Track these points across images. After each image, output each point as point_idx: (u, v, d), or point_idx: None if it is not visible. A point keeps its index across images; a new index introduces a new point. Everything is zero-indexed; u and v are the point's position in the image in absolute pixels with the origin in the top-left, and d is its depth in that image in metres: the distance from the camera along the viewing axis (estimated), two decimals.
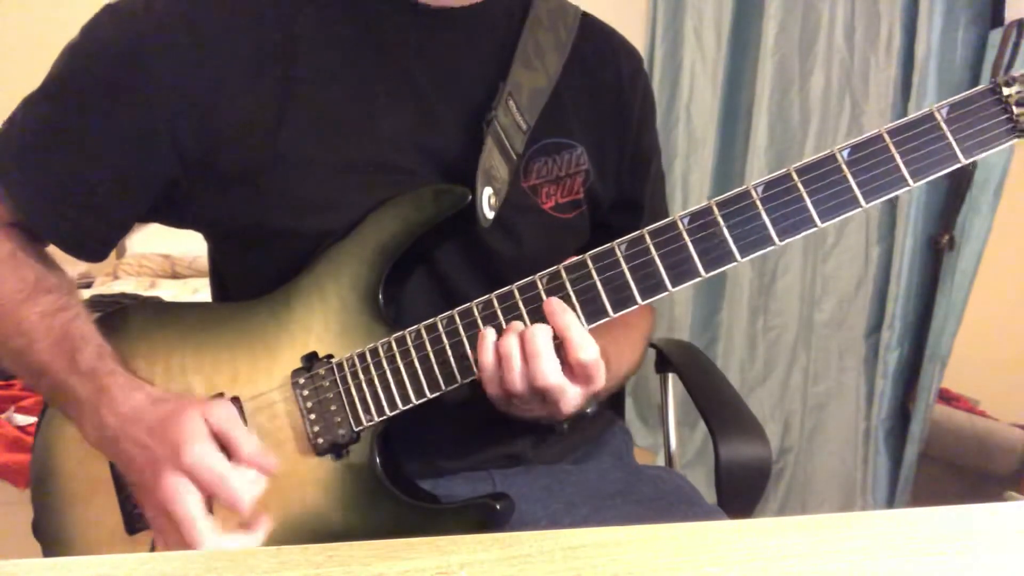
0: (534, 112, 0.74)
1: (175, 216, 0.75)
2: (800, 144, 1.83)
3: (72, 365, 0.65)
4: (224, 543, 0.61)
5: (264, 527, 0.65)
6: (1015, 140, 0.57)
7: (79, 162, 0.68)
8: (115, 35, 0.68)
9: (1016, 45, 1.33)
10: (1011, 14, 1.34)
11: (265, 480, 0.63)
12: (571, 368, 0.62)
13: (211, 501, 0.61)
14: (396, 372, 0.67)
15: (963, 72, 1.48)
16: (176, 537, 0.60)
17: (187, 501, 0.59)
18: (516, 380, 0.61)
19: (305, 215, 0.70)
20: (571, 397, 0.63)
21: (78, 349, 0.65)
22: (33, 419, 1.92)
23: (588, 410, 0.67)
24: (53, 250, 0.75)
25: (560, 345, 0.62)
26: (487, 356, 0.62)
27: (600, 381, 0.64)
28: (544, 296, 0.64)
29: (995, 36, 1.40)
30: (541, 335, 0.61)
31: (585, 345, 0.61)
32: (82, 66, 0.68)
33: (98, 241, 0.73)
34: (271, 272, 0.72)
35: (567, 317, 0.61)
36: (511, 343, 0.61)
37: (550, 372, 0.61)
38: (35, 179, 0.69)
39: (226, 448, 0.62)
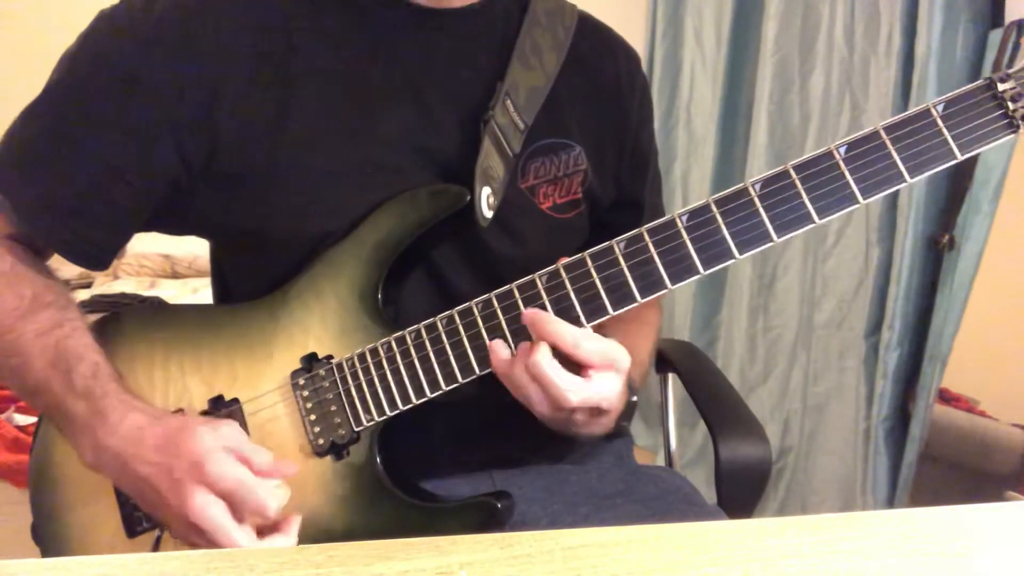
0: (532, 112, 0.74)
1: (176, 222, 0.75)
2: (800, 144, 1.83)
3: (67, 385, 0.64)
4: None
5: (295, 527, 0.65)
6: (1010, 135, 0.57)
7: (81, 170, 0.68)
8: (113, 41, 0.68)
9: (1016, 45, 1.33)
10: (1011, 14, 1.34)
11: (288, 488, 0.63)
12: (591, 363, 0.62)
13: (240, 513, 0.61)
14: (396, 372, 0.67)
15: (963, 72, 1.48)
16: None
17: (217, 513, 0.59)
18: (548, 408, 0.62)
19: (305, 217, 0.70)
20: (608, 391, 0.63)
21: (72, 368, 0.65)
22: (33, 419, 1.92)
23: (633, 398, 0.69)
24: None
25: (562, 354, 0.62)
26: (528, 390, 0.62)
27: (624, 360, 0.64)
28: (544, 296, 0.64)
29: (995, 36, 1.39)
30: (542, 361, 0.61)
31: (579, 337, 0.62)
32: (81, 73, 0.68)
33: (101, 248, 0.72)
34: (272, 273, 0.72)
35: (549, 326, 0.62)
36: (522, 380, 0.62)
37: (572, 390, 0.61)
38: (37, 188, 0.69)
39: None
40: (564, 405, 0.61)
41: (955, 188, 1.50)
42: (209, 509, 0.59)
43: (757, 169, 1.87)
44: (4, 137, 0.70)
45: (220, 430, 0.62)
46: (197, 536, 0.60)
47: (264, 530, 0.63)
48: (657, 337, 0.90)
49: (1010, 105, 0.57)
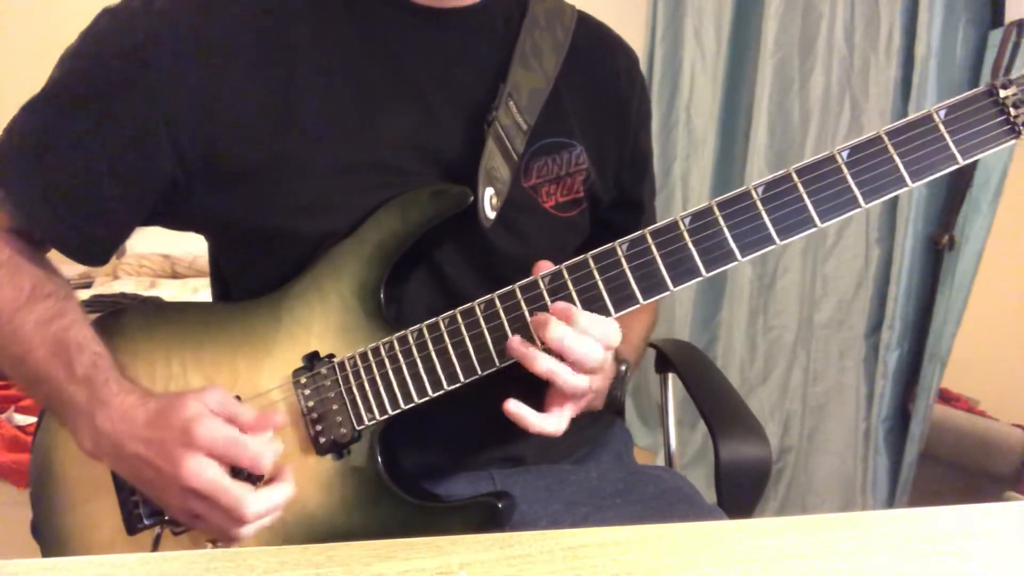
0: (534, 112, 0.74)
1: (176, 219, 0.75)
2: (800, 144, 1.83)
3: (69, 373, 0.65)
4: (264, 499, 0.62)
5: (289, 475, 0.66)
6: (1012, 141, 0.58)
7: (80, 165, 0.68)
8: (114, 37, 0.68)
9: (1016, 45, 1.33)
10: (1011, 14, 1.34)
11: (280, 442, 0.65)
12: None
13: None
14: (398, 371, 0.67)
15: (963, 72, 1.48)
16: (218, 517, 0.61)
17: (214, 475, 0.60)
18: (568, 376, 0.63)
19: (306, 216, 0.70)
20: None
21: (73, 357, 0.65)
22: (33, 419, 1.92)
23: (622, 368, 0.72)
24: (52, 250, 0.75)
25: None
26: (542, 364, 0.62)
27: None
28: (546, 296, 0.64)
29: (995, 36, 1.39)
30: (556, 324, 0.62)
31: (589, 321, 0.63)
32: (82, 69, 0.68)
33: (100, 245, 0.72)
34: (273, 272, 0.72)
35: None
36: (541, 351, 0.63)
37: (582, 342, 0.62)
38: (37, 184, 0.69)
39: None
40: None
41: (955, 188, 1.50)
42: (204, 471, 0.59)
43: (757, 169, 1.87)
44: (4, 132, 0.71)
45: (204, 396, 0.63)
46: (198, 503, 0.61)
47: (260, 485, 0.64)
48: (653, 319, 0.92)
49: (1012, 111, 0.57)
